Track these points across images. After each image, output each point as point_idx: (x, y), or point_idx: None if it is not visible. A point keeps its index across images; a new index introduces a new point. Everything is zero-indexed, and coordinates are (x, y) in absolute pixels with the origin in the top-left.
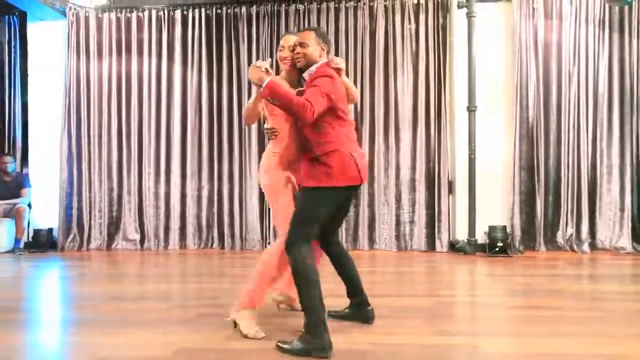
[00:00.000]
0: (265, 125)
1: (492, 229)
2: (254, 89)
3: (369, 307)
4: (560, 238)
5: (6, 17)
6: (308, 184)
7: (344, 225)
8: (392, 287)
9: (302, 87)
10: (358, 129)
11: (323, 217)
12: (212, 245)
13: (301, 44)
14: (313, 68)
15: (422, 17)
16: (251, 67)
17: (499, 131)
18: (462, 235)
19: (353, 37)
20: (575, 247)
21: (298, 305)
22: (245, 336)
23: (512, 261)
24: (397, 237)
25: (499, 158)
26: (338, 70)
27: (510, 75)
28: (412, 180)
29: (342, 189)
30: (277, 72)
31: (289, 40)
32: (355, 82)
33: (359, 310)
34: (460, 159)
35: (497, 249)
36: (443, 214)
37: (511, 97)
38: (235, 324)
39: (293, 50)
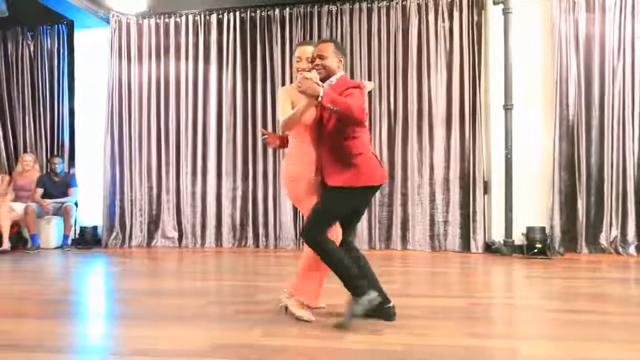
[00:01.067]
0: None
1: (530, 229)
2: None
3: (390, 305)
4: (603, 240)
5: (56, 26)
6: (336, 183)
7: (376, 225)
8: (426, 287)
9: None
10: (391, 128)
11: (342, 216)
12: (246, 244)
13: (320, 56)
14: (333, 79)
15: (456, 14)
16: (302, 79)
17: (536, 129)
18: (498, 236)
19: (386, 37)
20: (620, 249)
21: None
22: (299, 318)
23: (551, 263)
24: (431, 237)
25: (537, 157)
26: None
27: (549, 71)
28: (446, 179)
29: (367, 188)
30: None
31: (305, 51)
32: (388, 82)
33: (380, 309)
34: (496, 158)
35: (535, 251)
36: (478, 214)
37: (550, 94)
38: (286, 309)
39: (312, 62)
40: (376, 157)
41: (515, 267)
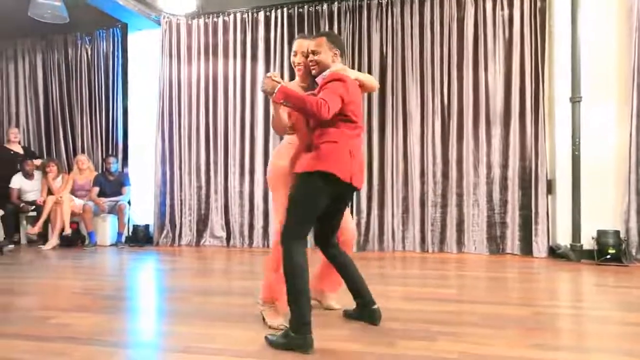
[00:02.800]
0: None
1: (601, 233)
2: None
3: (374, 307)
4: None
5: (111, 29)
6: (297, 169)
7: (429, 226)
8: (484, 293)
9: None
10: (445, 124)
11: (312, 207)
12: None
13: (313, 52)
14: (326, 73)
15: (516, 1)
16: (264, 79)
17: (608, 124)
18: (564, 239)
19: (439, 28)
20: None
21: (329, 304)
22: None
23: (627, 271)
24: (489, 239)
25: (609, 154)
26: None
27: (625, 60)
28: (504, 178)
29: (330, 180)
30: (292, 78)
31: (301, 45)
32: (441, 76)
33: (365, 311)
34: (561, 156)
35: (608, 257)
36: (541, 215)
37: (624, 84)
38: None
39: (307, 57)
40: (358, 158)
41: (584, 274)
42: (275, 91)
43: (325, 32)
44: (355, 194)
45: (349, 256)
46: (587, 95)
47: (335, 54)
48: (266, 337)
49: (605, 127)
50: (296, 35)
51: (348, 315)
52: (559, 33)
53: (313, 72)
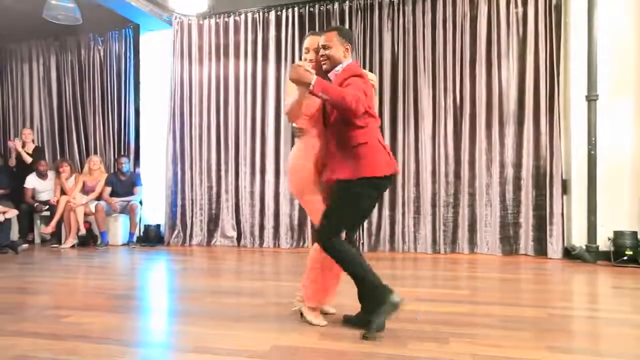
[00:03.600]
0: (293, 125)
1: (618, 234)
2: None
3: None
4: None
5: (123, 30)
6: (339, 176)
7: (441, 227)
8: (497, 294)
9: None
10: (457, 124)
11: (353, 214)
12: (304, 244)
13: (324, 47)
14: (339, 68)
15: None
16: (294, 67)
17: (626, 122)
18: (579, 240)
19: (451, 27)
20: None
21: (324, 309)
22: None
23: None
24: (502, 240)
25: (627, 153)
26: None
27: None
28: (518, 178)
29: (369, 180)
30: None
31: (313, 42)
32: (453, 75)
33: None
34: (577, 155)
35: (625, 258)
36: (555, 216)
37: None
38: (301, 314)
39: (318, 52)
40: (385, 147)
41: (600, 276)
42: (313, 82)
43: (336, 26)
44: None
45: (364, 258)
46: (603, 94)
47: (347, 48)
48: (364, 336)
49: (622, 126)
50: (307, 33)
51: (348, 320)
52: (575, 30)
53: (324, 67)
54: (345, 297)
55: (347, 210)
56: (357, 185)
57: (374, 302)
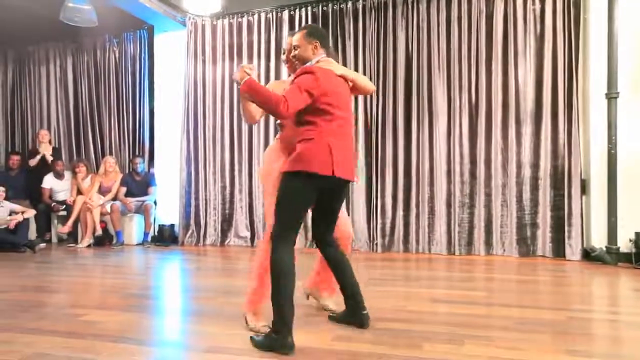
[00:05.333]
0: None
1: None
2: None
3: (364, 312)
4: None
5: (138, 31)
6: (282, 169)
7: (456, 227)
8: (514, 296)
9: None
10: (472, 123)
11: (297, 206)
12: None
13: (294, 47)
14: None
15: None
16: (238, 67)
17: None
18: (599, 242)
19: (467, 24)
20: None
21: (325, 304)
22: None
23: None
24: (519, 241)
25: None
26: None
27: None
28: (535, 178)
29: (311, 177)
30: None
31: (288, 42)
32: (469, 73)
33: (356, 315)
34: (596, 154)
35: None
36: (574, 216)
37: None
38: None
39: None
40: (341, 148)
41: (621, 278)
42: (241, 83)
43: (305, 25)
44: (379, 194)
45: (346, 257)
46: (624, 91)
47: (315, 45)
48: (251, 338)
49: None
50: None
51: (333, 318)
52: (594, 26)
53: (297, 67)
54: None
55: (288, 205)
56: (292, 178)
57: (273, 330)
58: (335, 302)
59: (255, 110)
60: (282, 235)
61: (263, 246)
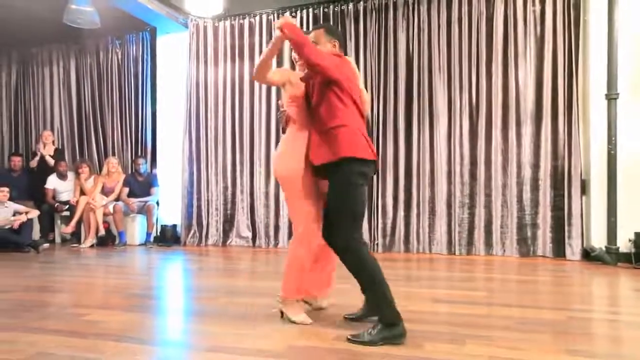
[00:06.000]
0: (280, 110)
1: (639, 236)
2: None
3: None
4: None
5: (140, 33)
6: (319, 160)
7: (456, 228)
8: (514, 296)
9: None
10: (473, 124)
11: (359, 196)
12: None
13: (314, 43)
14: None
15: None
16: (284, 17)
17: None
18: (599, 242)
19: (467, 26)
20: None
21: (319, 304)
22: (294, 322)
23: None
24: (519, 241)
25: None
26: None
27: None
28: (535, 178)
29: (357, 162)
30: (293, 69)
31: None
32: (469, 74)
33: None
34: (596, 155)
35: None
36: (574, 216)
37: None
38: (282, 314)
39: None
40: (366, 137)
41: (621, 278)
42: (284, 23)
43: (323, 24)
44: (380, 195)
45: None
46: (624, 92)
47: (334, 45)
48: (350, 339)
49: None
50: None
51: (349, 318)
52: (594, 27)
53: None
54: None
55: (349, 199)
56: (341, 166)
57: (385, 321)
58: (329, 301)
59: (270, 72)
60: (355, 233)
61: (293, 247)
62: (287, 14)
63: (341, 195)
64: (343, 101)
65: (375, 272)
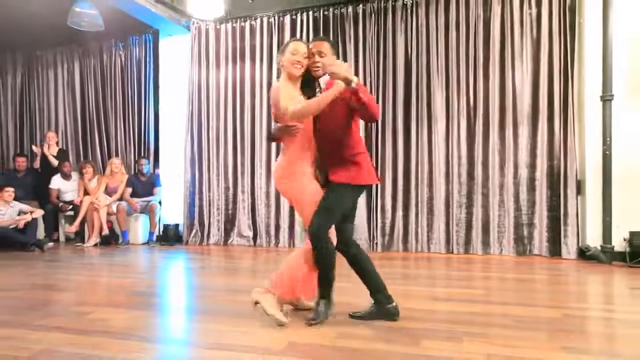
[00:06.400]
0: (281, 125)
1: (634, 235)
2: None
3: (393, 304)
4: None
5: (143, 36)
6: (341, 180)
7: (454, 227)
8: (511, 294)
9: (313, 91)
10: (470, 125)
11: (344, 212)
12: None
13: (320, 53)
14: (327, 76)
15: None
16: (340, 64)
17: None
18: (594, 241)
19: (465, 29)
20: None
21: (304, 304)
22: (268, 315)
23: None
24: (516, 240)
25: None
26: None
27: None
28: (532, 179)
29: (363, 187)
30: (278, 76)
31: (301, 46)
32: (467, 76)
33: (382, 308)
34: (591, 156)
35: None
36: (570, 216)
37: None
38: (256, 303)
39: (307, 58)
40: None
41: (615, 277)
42: (356, 80)
43: (324, 37)
44: (379, 195)
45: (367, 256)
46: (618, 94)
47: (338, 58)
48: (351, 315)
49: (638, 126)
50: (290, 38)
51: (356, 316)
52: (589, 30)
53: (317, 72)
54: (356, 297)
55: (337, 210)
56: (349, 190)
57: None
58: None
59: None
60: (327, 233)
61: (304, 250)
62: (288, 17)
63: (335, 198)
64: (359, 128)
65: (331, 268)
